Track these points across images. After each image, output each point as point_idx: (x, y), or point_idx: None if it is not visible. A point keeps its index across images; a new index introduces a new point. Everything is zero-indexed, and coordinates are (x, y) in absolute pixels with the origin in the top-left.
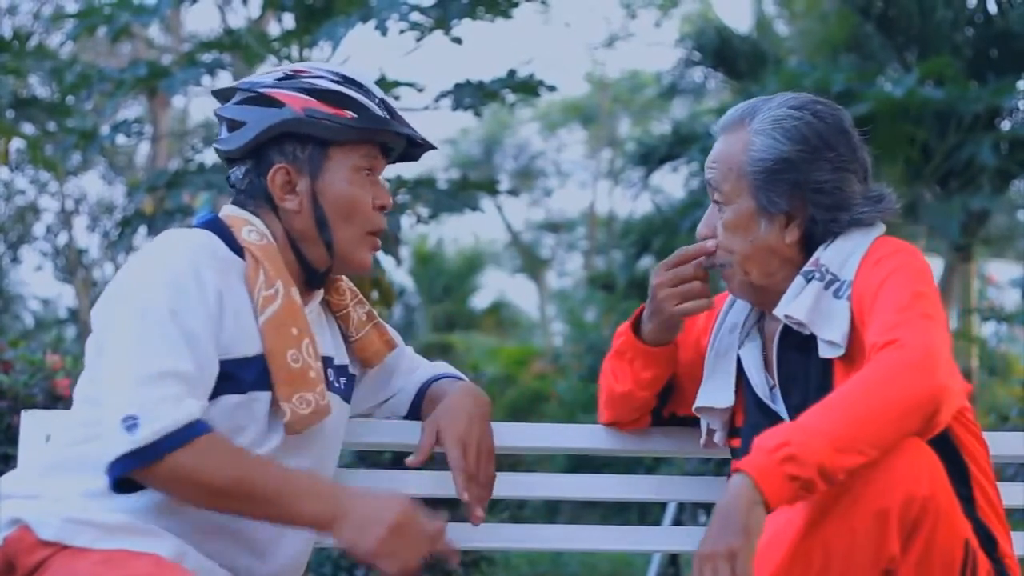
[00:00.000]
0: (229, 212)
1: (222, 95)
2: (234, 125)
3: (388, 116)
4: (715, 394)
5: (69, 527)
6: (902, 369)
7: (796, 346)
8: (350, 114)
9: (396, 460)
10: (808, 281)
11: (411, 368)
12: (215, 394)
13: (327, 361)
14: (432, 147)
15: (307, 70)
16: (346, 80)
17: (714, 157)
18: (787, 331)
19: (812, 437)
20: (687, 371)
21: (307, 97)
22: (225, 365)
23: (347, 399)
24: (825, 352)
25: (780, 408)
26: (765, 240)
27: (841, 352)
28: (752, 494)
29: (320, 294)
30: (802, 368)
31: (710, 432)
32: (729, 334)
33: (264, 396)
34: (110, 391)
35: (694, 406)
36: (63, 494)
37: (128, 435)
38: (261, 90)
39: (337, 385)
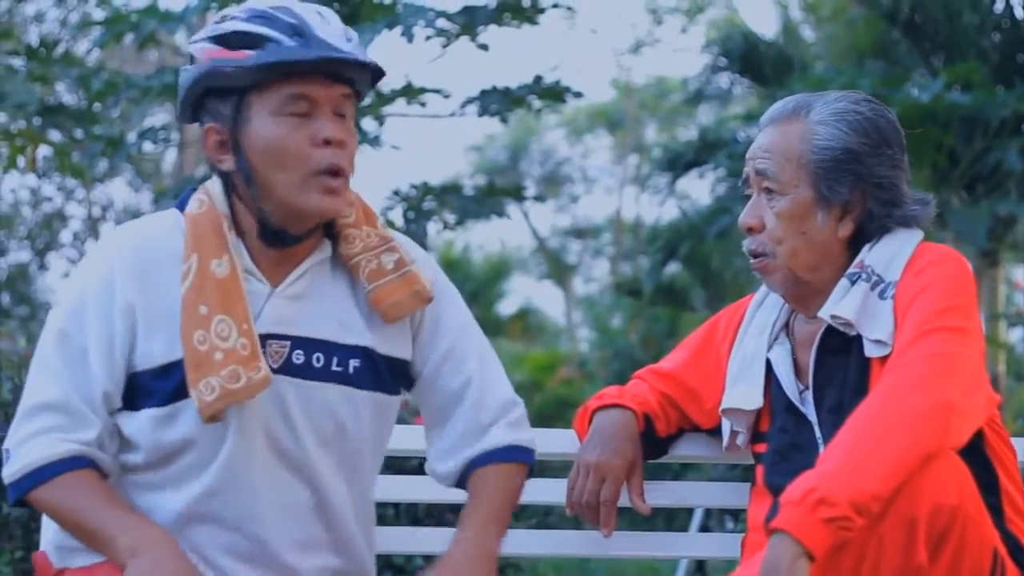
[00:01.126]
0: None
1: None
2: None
3: (298, 44)
4: (743, 396)
5: (62, 553)
6: (903, 389)
7: (834, 349)
8: (248, 53)
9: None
10: (853, 283)
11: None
12: (139, 407)
13: (319, 344)
14: (366, 62)
15: (231, 13)
16: (256, 15)
17: (766, 147)
18: (826, 333)
19: (834, 476)
20: (709, 380)
21: (213, 46)
22: (142, 377)
23: (363, 386)
24: (872, 351)
25: (810, 411)
26: (819, 232)
27: (888, 350)
28: (792, 548)
29: (315, 254)
30: (840, 371)
31: (733, 435)
32: (758, 336)
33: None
34: None
35: (721, 407)
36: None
37: (4, 467)
38: (189, 49)
39: (338, 371)
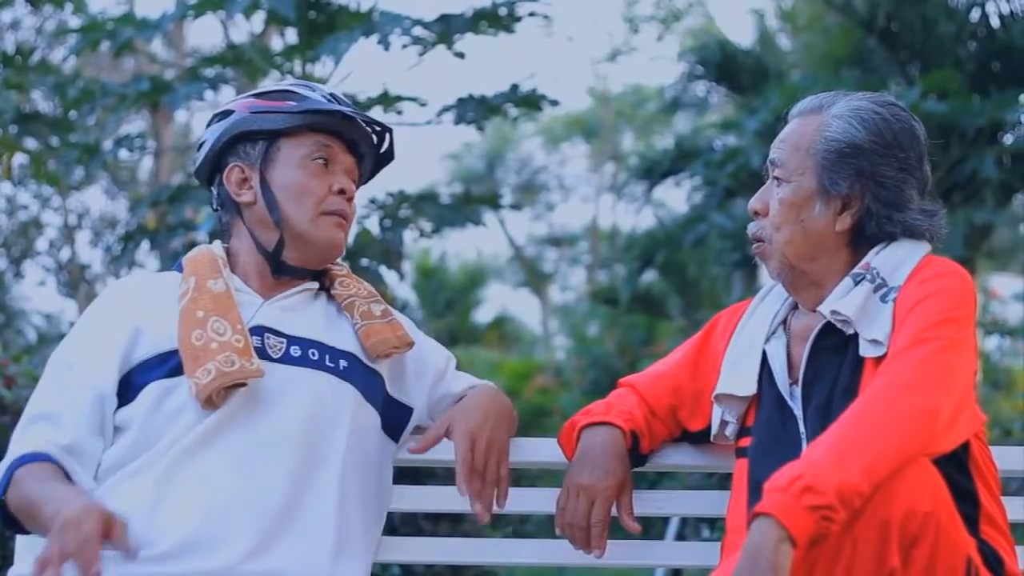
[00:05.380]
0: None
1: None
2: (200, 147)
3: (331, 103)
4: (738, 382)
5: None
6: (893, 390)
7: (829, 347)
8: (291, 103)
9: (401, 474)
10: (856, 283)
11: (455, 380)
12: (145, 383)
13: (313, 344)
14: (381, 126)
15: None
16: (296, 83)
17: (783, 137)
18: (823, 331)
19: (821, 465)
20: (705, 377)
21: (252, 99)
22: (144, 366)
23: (350, 380)
24: (867, 351)
25: (796, 406)
26: (816, 221)
27: (883, 351)
28: (777, 532)
29: (303, 284)
30: (832, 369)
31: (723, 425)
32: (759, 327)
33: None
34: None
35: (714, 393)
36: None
37: None
38: (225, 106)
39: (327, 363)
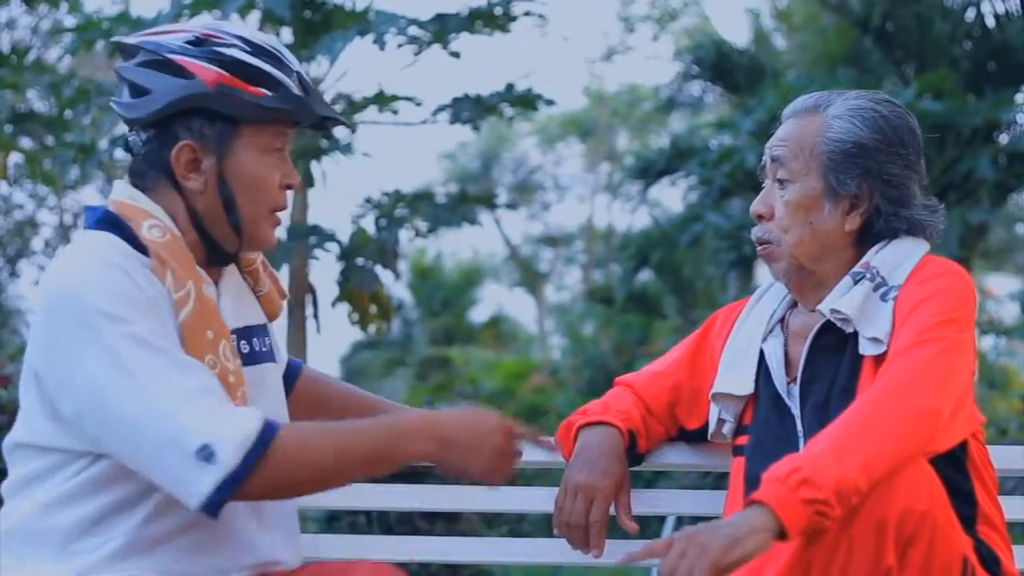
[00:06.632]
0: (123, 201)
1: (124, 50)
2: (138, 90)
3: (304, 93)
4: (736, 382)
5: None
6: (894, 391)
7: (827, 346)
8: (265, 92)
9: (397, 472)
10: (856, 282)
11: None
12: None
13: (253, 331)
14: (345, 123)
15: (217, 35)
16: (260, 51)
17: (783, 137)
18: (821, 330)
19: (821, 459)
20: (703, 375)
21: (219, 70)
22: None
23: (275, 359)
24: (866, 349)
25: (794, 405)
26: (824, 223)
27: (883, 349)
28: (768, 521)
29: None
30: (831, 368)
31: (720, 423)
32: (756, 326)
33: None
34: (137, 436)
35: (711, 392)
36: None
37: (210, 465)
38: (168, 55)
39: (263, 349)
